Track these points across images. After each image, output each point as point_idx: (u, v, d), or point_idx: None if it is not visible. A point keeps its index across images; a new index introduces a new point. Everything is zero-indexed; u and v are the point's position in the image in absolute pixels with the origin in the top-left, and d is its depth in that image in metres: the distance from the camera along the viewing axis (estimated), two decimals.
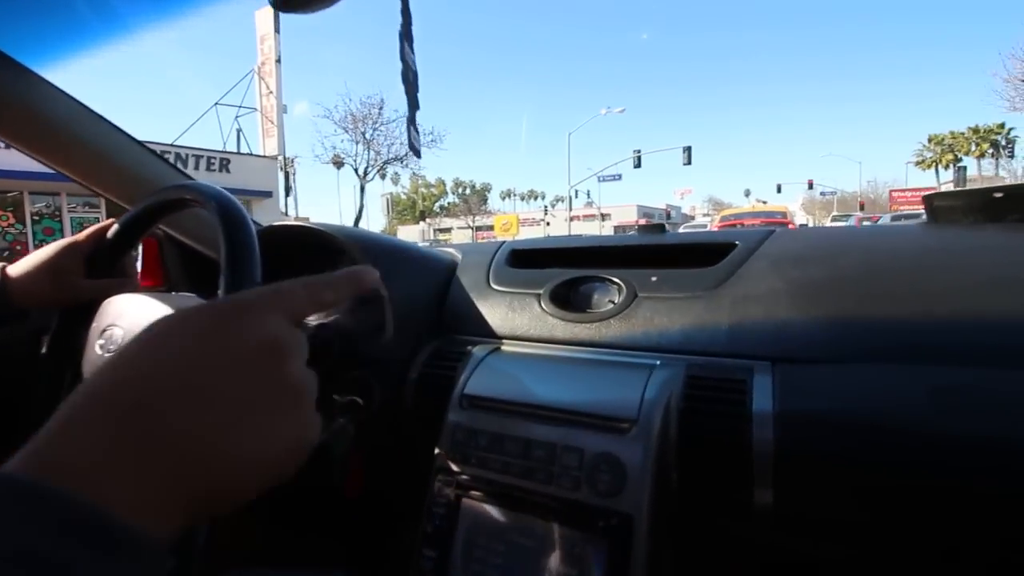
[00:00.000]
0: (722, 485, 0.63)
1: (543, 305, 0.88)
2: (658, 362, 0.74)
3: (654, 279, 0.84)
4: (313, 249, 0.95)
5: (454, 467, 0.71)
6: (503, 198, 58.53)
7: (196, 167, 14.67)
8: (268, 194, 16.16)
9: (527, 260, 1.12)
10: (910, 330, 0.65)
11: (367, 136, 22.14)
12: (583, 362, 0.80)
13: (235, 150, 16.81)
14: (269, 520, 1.10)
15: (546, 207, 41.09)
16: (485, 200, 50.63)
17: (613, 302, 0.86)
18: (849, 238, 0.86)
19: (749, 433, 0.58)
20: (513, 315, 0.91)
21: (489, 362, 0.82)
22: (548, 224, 36.63)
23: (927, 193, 0.91)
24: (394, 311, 0.92)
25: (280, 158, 17.59)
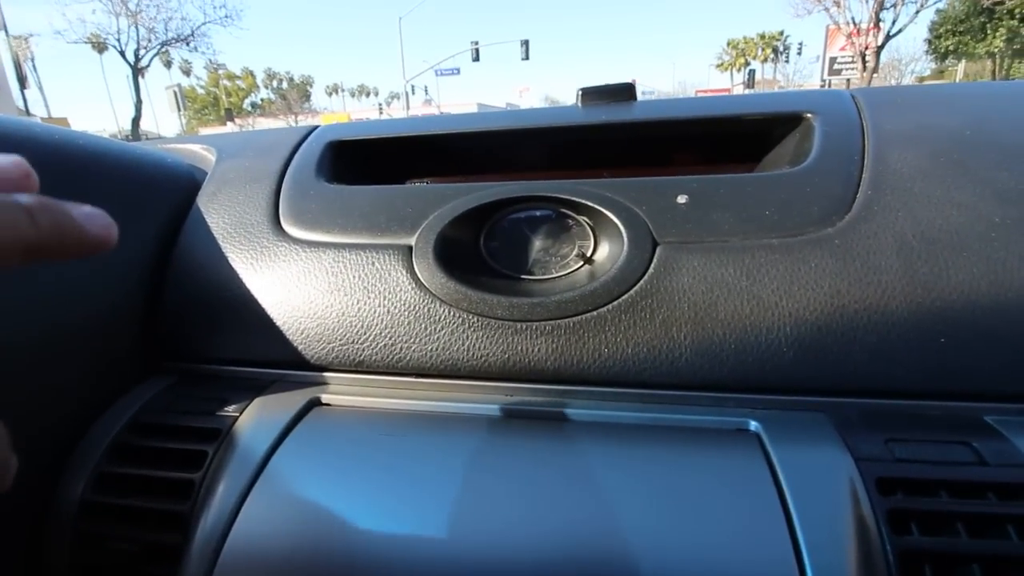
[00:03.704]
0: None
1: (422, 275, 0.33)
2: (753, 423, 0.21)
3: (683, 200, 0.34)
4: None
5: None
6: (329, 94, 51.47)
7: None
8: None
9: (365, 165, 0.54)
10: None
11: (130, 7, 17.05)
12: (555, 436, 0.28)
13: None
14: None
15: (380, 105, 37.35)
16: (308, 96, 44.20)
17: (585, 257, 0.35)
18: (1013, 100, 0.44)
19: None
20: (347, 306, 0.35)
21: (286, 465, 0.26)
22: None
23: None
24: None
25: (1, 33, 12.74)
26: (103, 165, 0.41)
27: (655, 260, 0.34)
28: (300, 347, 0.37)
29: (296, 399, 0.34)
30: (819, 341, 0.30)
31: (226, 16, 19.50)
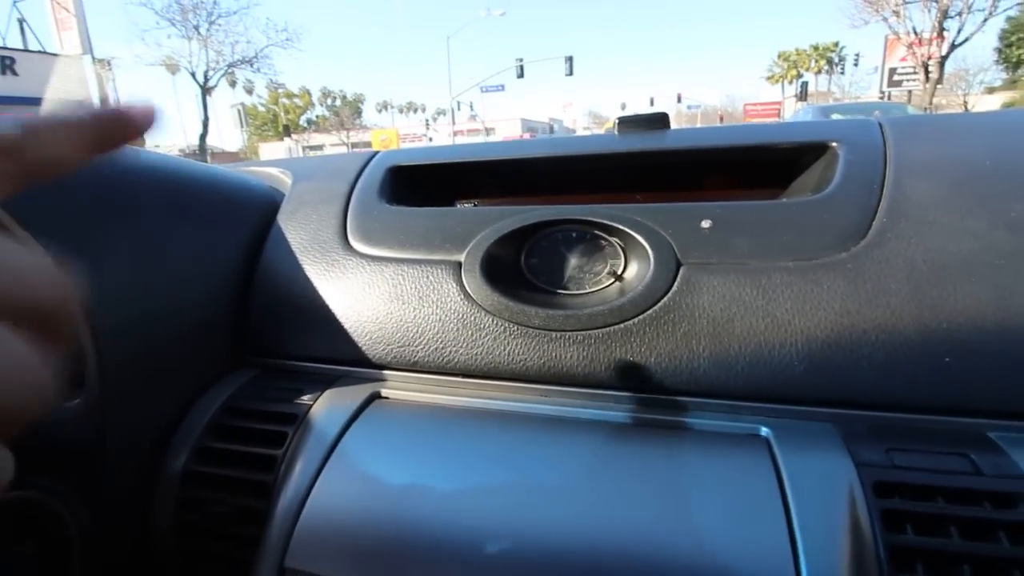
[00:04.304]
0: None
1: (470, 288, 0.38)
2: (764, 429, 0.25)
3: (707, 225, 0.38)
4: None
5: None
6: (379, 111, 53.46)
7: None
8: (43, 102, 12.70)
9: (420, 186, 0.60)
10: None
11: (202, 32, 18.32)
12: (585, 434, 0.32)
13: (21, 47, 12.85)
14: None
15: (427, 120, 38.44)
16: (359, 113, 46.05)
17: (616, 275, 0.39)
18: None
19: None
20: (405, 313, 0.41)
21: (353, 446, 0.32)
22: (431, 140, 34.47)
23: None
24: (117, 321, 0.38)
25: (86, 57, 13.86)
26: (204, 186, 0.49)
27: (679, 279, 0.38)
28: (363, 348, 0.43)
29: (360, 392, 0.40)
30: (829, 357, 0.33)
31: (287, 39, 20.67)
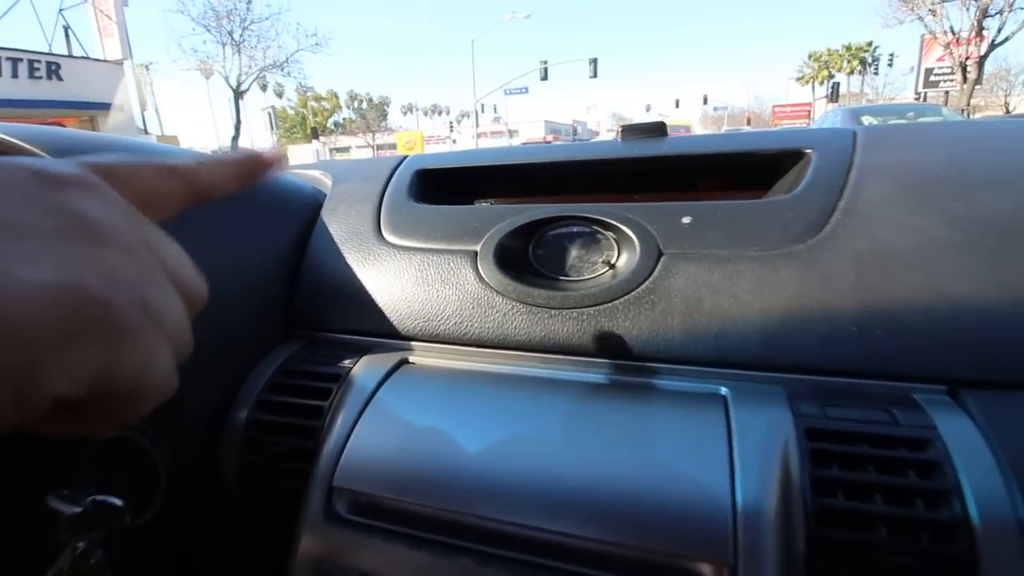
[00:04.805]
0: None
1: (483, 273, 0.46)
2: (724, 389, 0.34)
3: (687, 221, 0.45)
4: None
5: None
6: (404, 113, 54.25)
7: (14, 74, 11.54)
8: (107, 107, 13.24)
9: (444, 187, 0.68)
10: None
11: (235, 37, 18.89)
12: (574, 392, 0.39)
13: (66, 53, 13.48)
14: None
15: (451, 123, 38.84)
16: (385, 115, 46.79)
17: (610, 264, 0.46)
18: (1002, 139, 0.51)
19: (971, 566, 0.29)
20: (428, 294, 0.49)
21: (386, 399, 0.41)
22: (455, 142, 34.81)
23: None
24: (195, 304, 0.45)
25: (127, 62, 14.42)
26: (262, 188, 0.58)
27: (659, 266, 0.44)
28: (394, 322, 0.50)
29: (391, 359, 0.48)
30: (781, 330, 0.39)
31: (316, 44, 21.19)
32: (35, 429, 0.18)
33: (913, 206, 0.43)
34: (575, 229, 0.52)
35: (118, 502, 0.41)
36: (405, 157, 0.71)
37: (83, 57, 13.58)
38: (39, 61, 12.12)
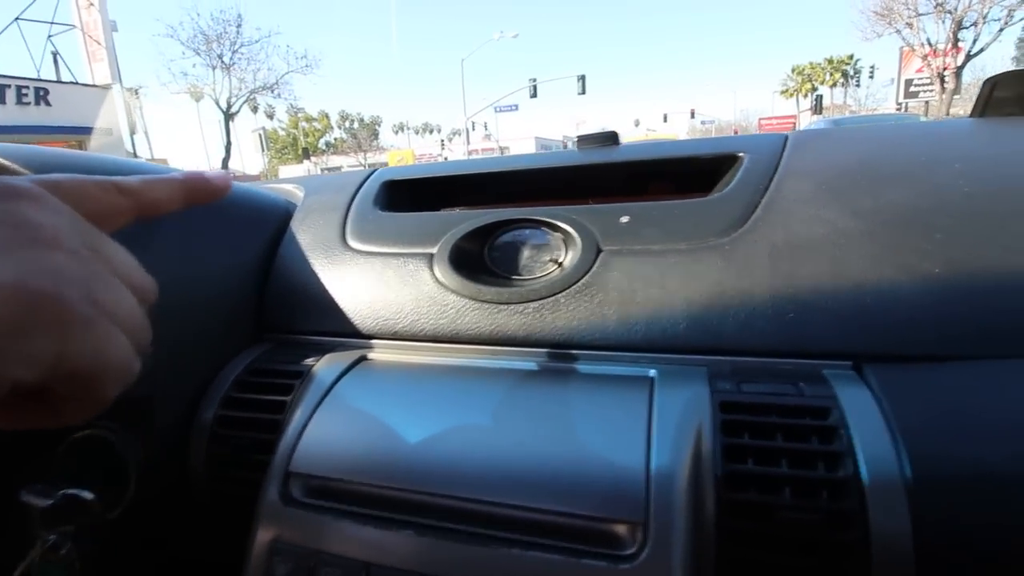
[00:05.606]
0: None
1: (438, 274, 0.49)
2: (652, 371, 0.37)
3: (625, 220, 0.49)
4: None
5: None
6: (396, 132, 54.68)
7: (2, 100, 11.60)
8: (88, 130, 13.21)
9: (410, 197, 0.71)
10: None
11: (225, 60, 19.07)
12: (517, 380, 0.43)
13: (54, 78, 13.55)
14: None
15: (443, 141, 39.18)
16: (376, 135, 47.17)
17: (558, 263, 0.49)
18: (916, 139, 0.56)
19: (861, 521, 0.32)
20: (388, 295, 0.52)
21: (343, 392, 0.43)
22: (446, 159, 35.07)
23: (988, 78, 0.64)
24: (165, 304, 0.49)
25: (116, 86, 14.48)
26: (230, 200, 0.61)
27: (598, 261, 0.48)
28: (355, 322, 0.53)
29: (351, 356, 0.50)
30: (704, 316, 0.43)
31: (306, 65, 21.45)
32: (14, 425, 0.21)
33: (825, 200, 0.46)
34: (527, 231, 0.56)
35: (89, 496, 0.44)
36: (375, 170, 0.74)
37: (71, 82, 13.66)
38: (27, 87, 12.19)
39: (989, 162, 0.48)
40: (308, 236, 0.61)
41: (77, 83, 13.72)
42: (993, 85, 0.64)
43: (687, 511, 0.33)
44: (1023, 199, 0.43)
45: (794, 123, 29.43)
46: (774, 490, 0.33)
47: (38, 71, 13.35)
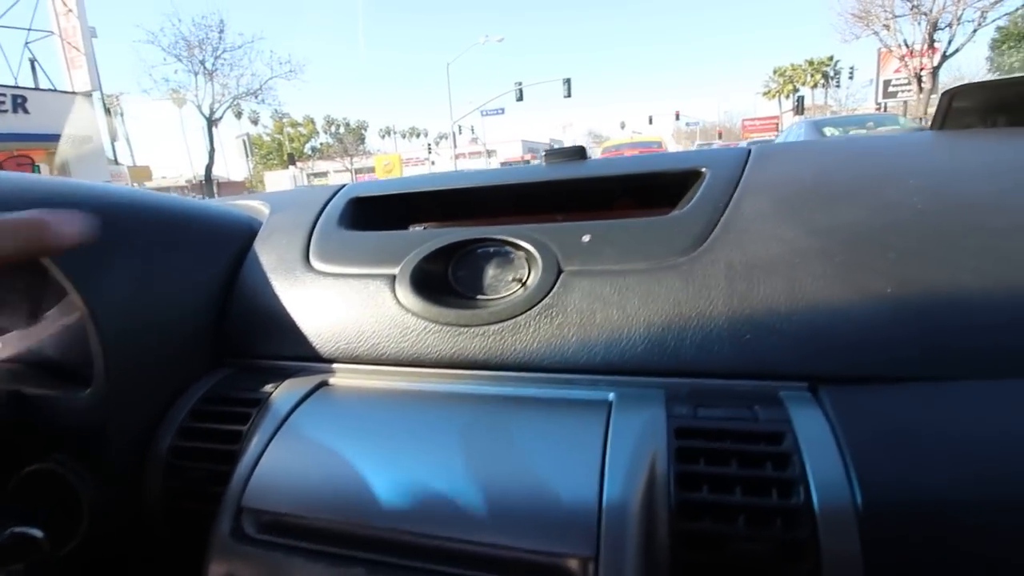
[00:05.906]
0: None
1: (400, 296, 0.49)
2: (611, 395, 0.37)
3: (587, 239, 0.48)
4: None
5: None
6: (382, 136, 54.46)
7: None
8: (54, 139, 12.92)
9: (377, 214, 0.71)
10: None
11: (207, 66, 18.87)
12: (476, 406, 0.42)
13: (32, 85, 13.30)
14: None
15: (429, 145, 39.11)
16: (362, 139, 46.93)
17: (522, 282, 0.49)
18: (873, 153, 0.56)
19: (813, 550, 0.32)
20: (350, 318, 0.51)
21: (299, 421, 0.43)
22: (433, 163, 35.02)
23: (947, 90, 0.65)
24: (120, 328, 0.48)
25: (96, 93, 14.26)
26: (192, 219, 0.60)
27: (558, 282, 0.48)
28: (317, 346, 0.52)
29: (310, 381, 0.50)
30: (662, 337, 0.43)
31: (290, 71, 21.28)
32: None
33: (783, 218, 0.47)
34: (491, 250, 0.56)
35: (38, 533, 0.42)
36: (343, 186, 0.73)
37: (49, 90, 13.42)
38: (4, 94, 11.94)
39: (944, 177, 0.49)
40: (271, 256, 0.60)
41: (56, 90, 13.48)
42: (952, 96, 0.64)
43: (639, 544, 0.32)
44: (975, 215, 0.43)
45: (777, 123, 29.82)
46: (728, 519, 0.33)
47: (15, 78, 13.11)
